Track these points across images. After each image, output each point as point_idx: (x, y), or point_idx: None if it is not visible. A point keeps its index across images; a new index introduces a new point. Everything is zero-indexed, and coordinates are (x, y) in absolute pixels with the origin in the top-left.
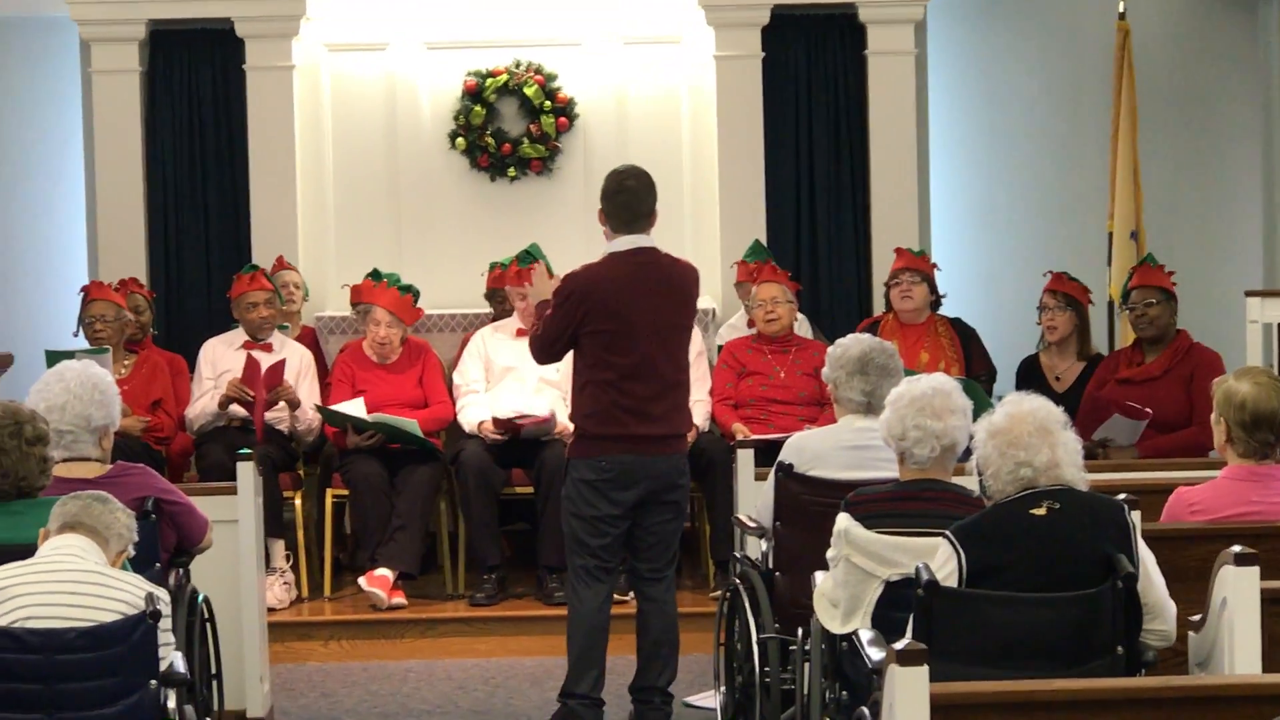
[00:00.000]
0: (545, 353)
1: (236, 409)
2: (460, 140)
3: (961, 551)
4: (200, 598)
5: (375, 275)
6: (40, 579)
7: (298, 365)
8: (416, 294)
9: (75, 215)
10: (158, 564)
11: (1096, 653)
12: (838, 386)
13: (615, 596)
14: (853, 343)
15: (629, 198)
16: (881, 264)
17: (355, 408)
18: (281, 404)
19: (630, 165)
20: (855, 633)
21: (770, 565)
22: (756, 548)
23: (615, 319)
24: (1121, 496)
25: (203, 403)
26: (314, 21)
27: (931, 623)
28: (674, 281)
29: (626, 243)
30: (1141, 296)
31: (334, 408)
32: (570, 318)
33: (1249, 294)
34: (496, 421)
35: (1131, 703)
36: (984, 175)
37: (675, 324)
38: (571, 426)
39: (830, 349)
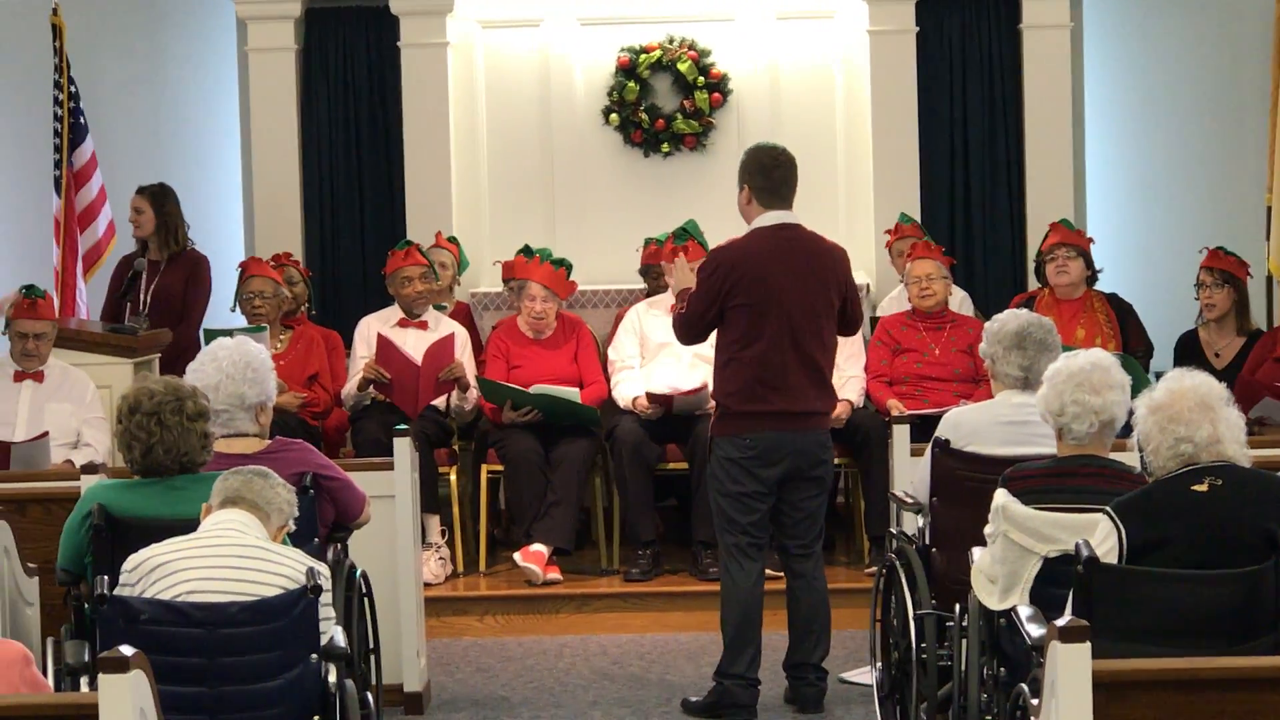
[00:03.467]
0: (691, 330)
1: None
2: (614, 116)
3: (1122, 528)
4: (358, 573)
5: (526, 251)
6: (203, 554)
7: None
8: (569, 267)
9: (232, 193)
10: (316, 539)
11: (1259, 630)
12: (995, 361)
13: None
14: (1010, 318)
15: (785, 173)
16: (1037, 238)
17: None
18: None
19: (769, 143)
20: (1014, 609)
21: (927, 541)
22: (913, 523)
23: (760, 292)
24: None
25: (355, 381)
26: None
27: (1091, 600)
28: (821, 257)
29: (772, 218)
30: None
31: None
32: (717, 291)
33: None
34: (651, 396)
35: None
36: (1140, 149)
37: (820, 300)
38: None
39: (987, 324)
